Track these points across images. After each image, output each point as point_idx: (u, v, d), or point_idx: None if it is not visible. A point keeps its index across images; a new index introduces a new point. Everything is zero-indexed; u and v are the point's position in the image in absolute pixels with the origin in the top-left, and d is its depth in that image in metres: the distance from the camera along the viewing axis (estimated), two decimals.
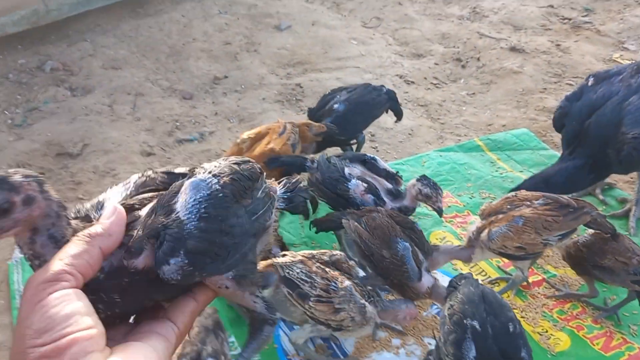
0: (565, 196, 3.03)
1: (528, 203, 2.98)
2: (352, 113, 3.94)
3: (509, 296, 3.26)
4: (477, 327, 2.26)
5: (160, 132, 4.75)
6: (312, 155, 3.68)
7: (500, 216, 2.96)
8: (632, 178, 4.22)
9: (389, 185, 3.39)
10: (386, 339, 3.00)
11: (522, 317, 3.15)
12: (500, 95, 5.26)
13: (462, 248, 3.08)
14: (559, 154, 4.42)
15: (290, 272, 2.55)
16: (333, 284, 2.56)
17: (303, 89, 5.34)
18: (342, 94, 4.06)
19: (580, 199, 3.14)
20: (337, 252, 2.82)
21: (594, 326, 3.10)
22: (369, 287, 2.73)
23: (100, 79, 5.45)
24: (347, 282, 2.61)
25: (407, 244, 2.85)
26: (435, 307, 3.18)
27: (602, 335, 3.06)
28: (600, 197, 3.99)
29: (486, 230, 2.95)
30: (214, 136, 4.69)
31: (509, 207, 3.00)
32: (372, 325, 2.72)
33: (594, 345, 3.00)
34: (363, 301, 2.62)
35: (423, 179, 3.18)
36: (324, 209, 3.69)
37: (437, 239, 3.69)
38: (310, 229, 3.25)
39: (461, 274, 2.67)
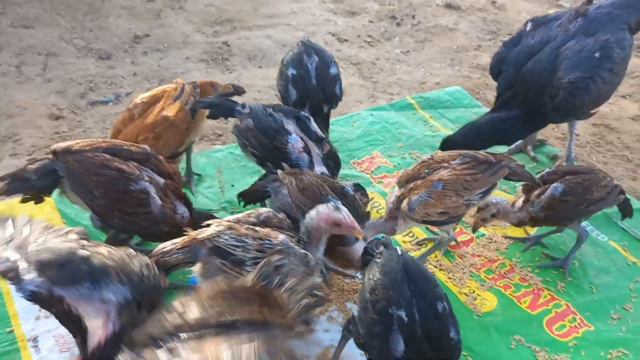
0: (482, 152, 2.91)
1: (445, 165, 2.82)
2: None
3: (436, 257, 3.14)
4: (404, 317, 2.07)
5: (72, 94, 4.40)
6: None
7: (419, 182, 2.80)
8: (563, 134, 4.15)
9: (317, 150, 3.19)
10: None
11: (449, 277, 3.04)
12: (434, 53, 5.10)
13: (385, 220, 2.91)
14: None
15: (220, 241, 2.34)
16: (267, 241, 2.35)
17: (230, 48, 5.04)
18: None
19: (497, 153, 3.04)
20: (264, 209, 2.60)
21: (521, 284, 3.01)
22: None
23: (9, 39, 5.00)
24: (281, 236, 2.40)
25: (340, 204, 2.67)
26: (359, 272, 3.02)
27: (529, 293, 2.98)
28: (531, 154, 3.90)
29: (406, 200, 2.78)
30: (130, 97, 4.36)
31: (426, 171, 2.83)
32: (317, 272, 2.52)
33: (520, 304, 2.92)
34: (304, 251, 2.40)
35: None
36: (242, 181, 3.49)
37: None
38: (239, 204, 3.03)
39: (378, 239, 2.48)
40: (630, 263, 3.17)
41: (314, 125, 3.21)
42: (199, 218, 2.65)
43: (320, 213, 2.45)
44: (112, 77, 4.62)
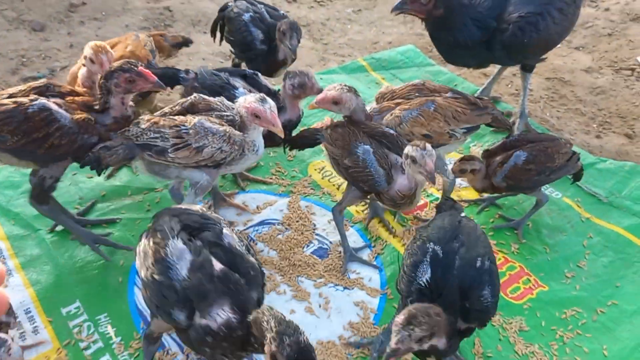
0: (471, 95, 2.96)
1: (437, 95, 2.87)
2: None
3: (391, 223, 3.07)
4: (439, 252, 2.10)
5: (3, 70, 4.13)
6: None
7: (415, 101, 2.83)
8: (516, 90, 4.08)
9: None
10: None
11: (402, 244, 2.96)
12: (386, 11, 4.91)
13: None
14: (445, 69, 4.22)
15: (142, 137, 2.51)
16: (182, 127, 2.51)
17: (173, 13, 4.80)
18: None
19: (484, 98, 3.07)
20: (190, 97, 2.68)
21: None
22: None
23: None
24: (195, 119, 2.54)
25: (368, 147, 2.61)
26: (311, 246, 2.94)
27: None
28: None
29: (393, 115, 2.80)
30: (66, 72, 4.12)
31: (417, 94, 2.88)
32: (251, 153, 2.62)
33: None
34: (223, 129, 2.53)
35: (287, 75, 2.88)
36: None
37: (315, 170, 3.42)
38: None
39: (451, 201, 2.49)
40: (584, 219, 3.14)
41: (263, 80, 3.07)
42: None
43: (244, 102, 2.53)
44: (46, 50, 4.36)
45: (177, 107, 2.66)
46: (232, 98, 2.82)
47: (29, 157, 2.54)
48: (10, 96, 2.52)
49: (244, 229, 3.01)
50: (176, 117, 2.57)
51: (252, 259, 2.02)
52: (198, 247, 1.95)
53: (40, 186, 2.62)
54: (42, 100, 2.47)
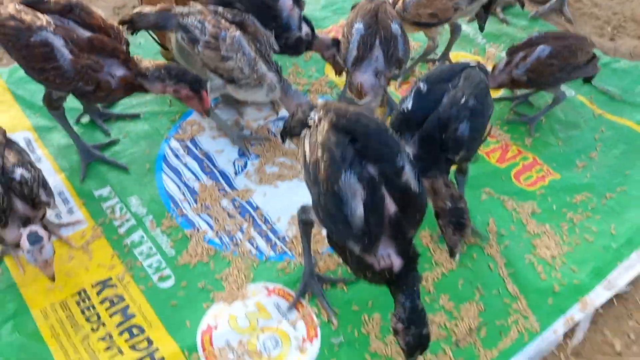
0: None
1: None
2: None
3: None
4: (423, 87, 2.27)
5: None
6: None
7: None
8: None
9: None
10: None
11: None
12: None
13: None
14: None
15: (186, 20, 2.66)
16: (223, 32, 2.63)
17: None
18: None
19: None
20: (246, 14, 2.77)
21: (490, 141, 3.04)
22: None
23: None
24: (237, 33, 2.66)
25: (361, 26, 2.75)
26: None
27: (498, 148, 3.02)
28: (501, 16, 3.82)
29: (400, 1, 2.97)
30: None
31: None
32: (268, 90, 2.74)
33: (489, 158, 2.96)
34: (255, 55, 2.67)
35: None
36: None
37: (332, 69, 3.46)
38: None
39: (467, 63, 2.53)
40: (597, 115, 3.21)
41: None
42: (146, 75, 2.49)
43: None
44: None
45: (228, 15, 2.73)
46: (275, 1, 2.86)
47: (28, 74, 2.48)
48: (31, 4, 2.44)
49: (264, 124, 3.08)
50: (222, 20, 2.68)
51: (423, 201, 1.89)
52: (374, 184, 1.80)
53: (49, 96, 2.64)
54: (49, 32, 2.34)
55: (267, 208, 2.67)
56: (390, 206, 1.82)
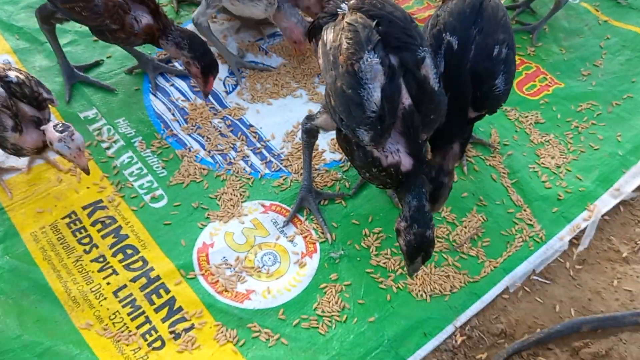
0: None
1: None
2: None
3: None
4: (454, 44, 2.00)
5: None
6: None
7: None
8: None
9: None
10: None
11: None
12: None
13: None
14: None
15: None
16: None
17: None
18: None
19: None
20: None
21: None
22: None
23: None
24: None
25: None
26: None
27: None
28: None
29: None
30: None
31: None
32: (267, 4, 2.57)
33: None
34: None
35: None
36: None
37: None
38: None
39: None
40: (602, 22, 3.07)
41: None
42: (169, 33, 2.41)
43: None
44: None
45: None
46: None
47: (56, 3, 2.34)
48: None
49: (255, 40, 2.94)
50: None
51: (441, 100, 1.80)
52: (393, 71, 1.72)
53: (46, 11, 2.51)
54: None
55: (260, 125, 2.56)
56: (406, 99, 1.74)
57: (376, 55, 1.70)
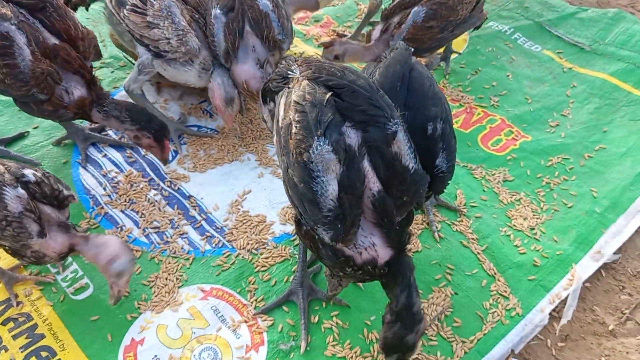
0: None
1: None
2: None
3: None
4: None
5: None
6: None
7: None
8: None
9: None
10: None
11: None
12: None
13: (364, 47, 2.56)
14: None
15: None
16: None
17: None
18: None
19: None
20: None
21: (452, 105, 2.72)
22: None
23: None
24: (168, 1, 2.27)
25: (219, 11, 2.31)
26: None
27: (462, 112, 2.70)
28: None
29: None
30: None
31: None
32: (200, 71, 2.34)
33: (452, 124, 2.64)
34: (186, 26, 2.25)
35: None
36: None
37: None
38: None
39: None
40: (566, 69, 2.92)
41: None
42: (104, 106, 2.18)
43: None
44: None
45: None
46: None
47: None
48: None
49: (199, 103, 2.72)
50: None
51: (418, 181, 1.54)
52: (352, 155, 1.47)
53: None
54: (11, 26, 2.03)
55: (201, 195, 2.31)
56: (373, 183, 1.48)
57: (327, 141, 1.45)
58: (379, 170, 1.50)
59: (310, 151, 1.44)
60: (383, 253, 1.53)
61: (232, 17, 2.30)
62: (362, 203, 1.48)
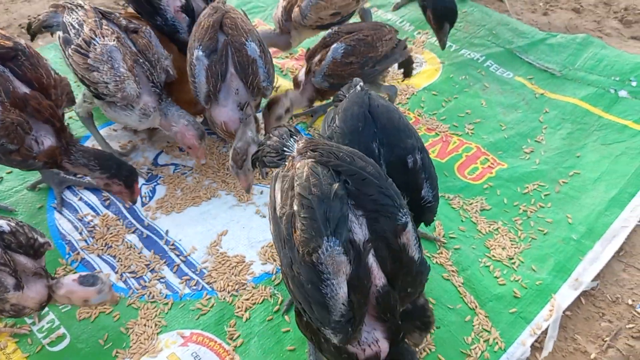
0: None
1: None
2: None
3: None
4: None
5: None
6: None
7: None
8: None
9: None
10: None
11: None
12: None
13: (277, 33, 2.78)
14: None
15: (69, 17, 2.32)
16: (97, 39, 2.24)
17: None
18: None
19: None
20: (146, 27, 2.42)
21: (428, 135, 2.75)
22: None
23: None
24: (111, 44, 2.25)
25: (201, 53, 2.30)
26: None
27: (437, 142, 2.73)
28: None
29: (296, 8, 2.66)
30: None
31: None
32: (141, 116, 2.33)
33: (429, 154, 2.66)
34: (125, 72, 2.22)
35: None
36: None
37: None
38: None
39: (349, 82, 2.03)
40: (538, 95, 2.96)
41: None
42: (72, 153, 2.17)
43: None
44: None
45: (123, 21, 2.38)
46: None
47: None
48: None
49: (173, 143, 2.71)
50: (105, 27, 2.29)
51: (422, 268, 1.50)
52: (358, 252, 1.41)
53: None
54: None
55: (179, 237, 2.29)
56: (378, 279, 1.44)
57: (337, 241, 1.37)
58: (385, 264, 1.45)
59: (320, 252, 1.36)
60: (385, 347, 1.48)
61: (215, 60, 2.29)
62: (369, 300, 1.43)
